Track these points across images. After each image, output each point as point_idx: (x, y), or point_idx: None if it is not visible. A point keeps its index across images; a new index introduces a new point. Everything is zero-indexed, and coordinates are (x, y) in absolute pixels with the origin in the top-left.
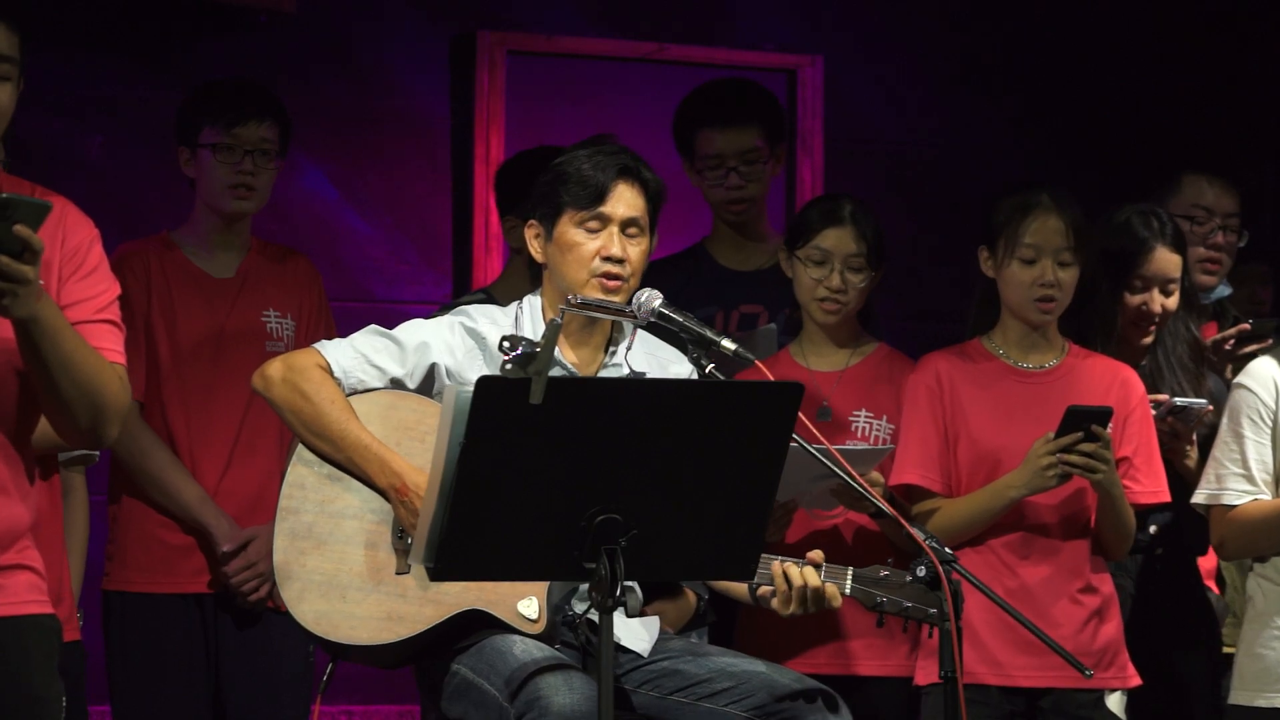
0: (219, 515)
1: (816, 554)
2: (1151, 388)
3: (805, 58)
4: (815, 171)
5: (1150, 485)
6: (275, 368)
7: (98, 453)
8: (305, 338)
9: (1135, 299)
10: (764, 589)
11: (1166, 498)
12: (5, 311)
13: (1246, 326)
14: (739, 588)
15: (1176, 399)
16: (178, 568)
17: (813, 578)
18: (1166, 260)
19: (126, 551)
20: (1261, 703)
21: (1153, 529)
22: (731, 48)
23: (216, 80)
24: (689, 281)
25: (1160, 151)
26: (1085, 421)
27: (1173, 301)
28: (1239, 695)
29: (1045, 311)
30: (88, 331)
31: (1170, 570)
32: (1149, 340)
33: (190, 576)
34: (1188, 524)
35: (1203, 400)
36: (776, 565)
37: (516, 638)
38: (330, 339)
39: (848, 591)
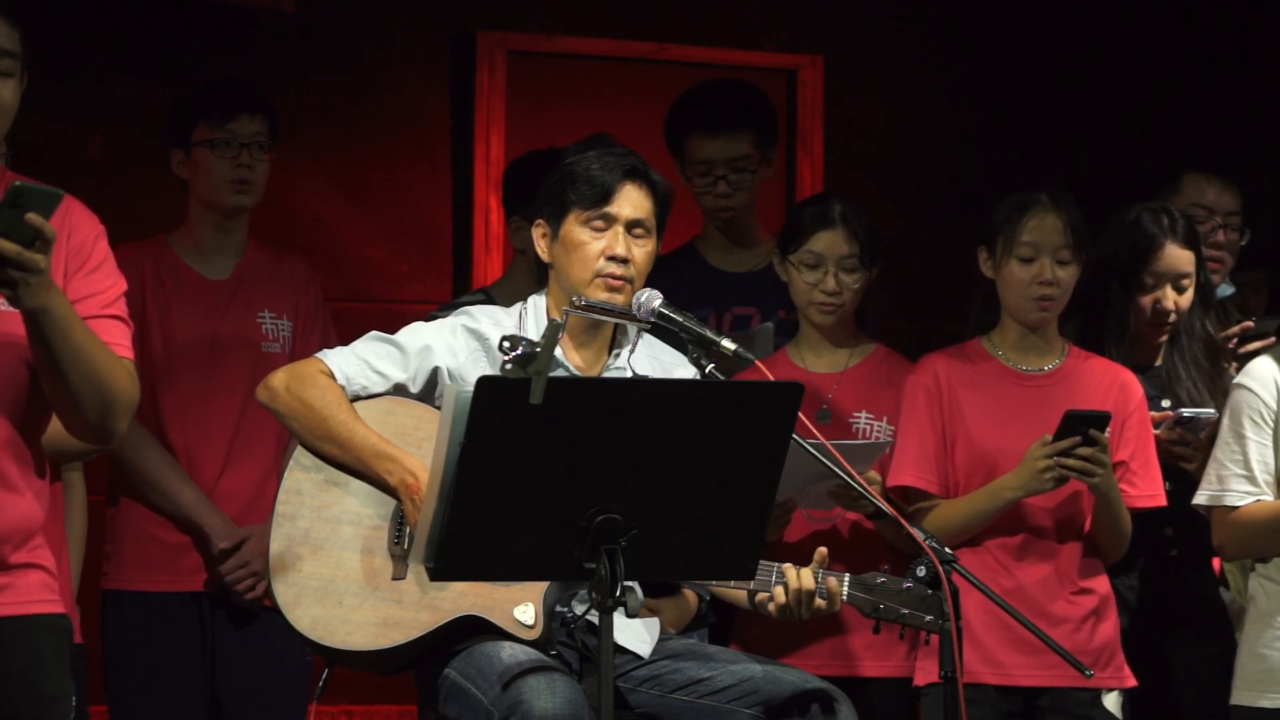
0: (213, 514)
1: (821, 551)
2: (1168, 389)
3: (805, 58)
4: (815, 172)
5: (1147, 489)
6: (279, 378)
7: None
8: (301, 339)
9: (1148, 297)
10: (761, 595)
11: (1163, 502)
12: (16, 302)
13: (1250, 325)
14: (737, 593)
15: (1183, 410)
16: (174, 566)
17: (809, 581)
18: (1177, 256)
19: (124, 550)
20: (1265, 703)
21: (1169, 531)
22: (731, 48)
23: (204, 81)
24: (680, 282)
25: (1160, 152)
26: (1083, 426)
27: (1186, 298)
28: (1241, 696)
29: (1044, 310)
30: (95, 327)
31: (1188, 572)
32: (1165, 339)
33: (187, 575)
34: (1207, 526)
35: (1210, 409)
36: (789, 566)
37: (505, 642)
38: (327, 340)
39: (845, 598)
